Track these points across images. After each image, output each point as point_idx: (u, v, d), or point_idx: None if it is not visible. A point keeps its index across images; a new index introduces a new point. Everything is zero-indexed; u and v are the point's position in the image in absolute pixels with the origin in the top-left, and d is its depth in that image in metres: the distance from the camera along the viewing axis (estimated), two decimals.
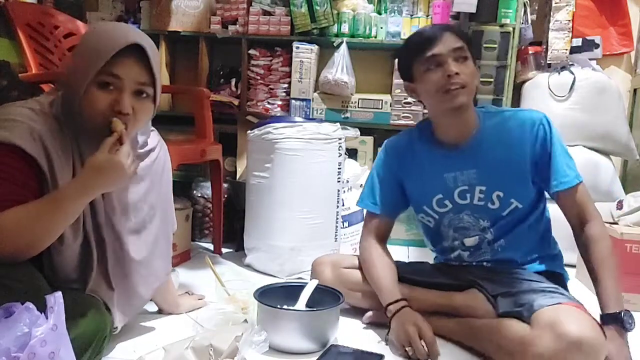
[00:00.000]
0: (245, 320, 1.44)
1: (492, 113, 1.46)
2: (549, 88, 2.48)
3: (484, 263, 1.50)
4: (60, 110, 1.14)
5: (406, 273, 1.53)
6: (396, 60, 1.49)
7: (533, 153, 1.39)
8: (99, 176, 1.05)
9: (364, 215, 1.65)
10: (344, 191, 2.23)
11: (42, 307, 0.84)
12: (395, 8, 2.69)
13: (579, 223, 1.37)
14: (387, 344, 1.38)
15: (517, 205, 1.42)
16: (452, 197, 1.46)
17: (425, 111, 2.57)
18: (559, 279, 1.46)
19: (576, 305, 1.22)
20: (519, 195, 1.41)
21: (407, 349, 1.29)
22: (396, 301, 1.38)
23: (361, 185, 2.36)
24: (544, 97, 2.50)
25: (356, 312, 1.56)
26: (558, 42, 2.60)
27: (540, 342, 1.12)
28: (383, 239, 1.58)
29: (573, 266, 2.18)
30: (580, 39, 2.63)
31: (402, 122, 2.62)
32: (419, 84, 1.40)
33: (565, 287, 1.44)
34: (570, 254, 2.26)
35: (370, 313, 1.53)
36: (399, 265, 1.55)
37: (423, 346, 1.28)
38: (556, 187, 1.37)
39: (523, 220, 1.44)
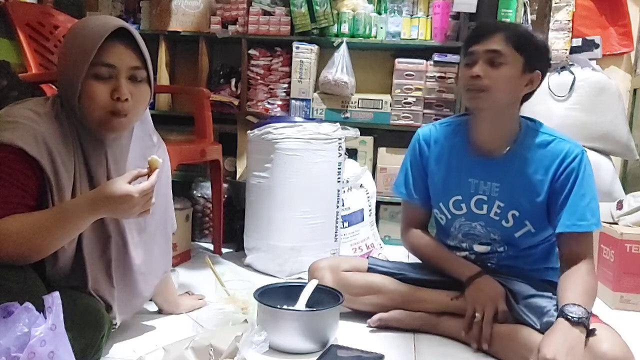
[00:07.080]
0: (245, 320, 1.44)
1: (537, 132, 1.40)
2: (549, 88, 2.48)
3: (488, 264, 1.50)
4: (61, 110, 1.14)
5: (408, 272, 1.52)
6: None
7: (552, 181, 1.35)
8: (109, 202, 1.04)
9: (401, 203, 1.65)
10: (344, 191, 2.23)
11: (37, 306, 0.84)
12: (395, 8, 2.69)
13: (568, 265, 1.32)
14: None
15: (530, 228, 1.41)
16: (469, 203, 1.45)
17: (426, 111, 2.61)
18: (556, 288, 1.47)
19: (598, 320, 1.21)
20: (534, 219, 1.40)
21: (477, 314, 1.33)
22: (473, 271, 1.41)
23: (361, 185, 2.37)
24: (544, 97, 2.49)
25: (357, 312, 1.55)
26: (558, 42, 2.60)
27: None
28: (424, 226, 1.59)
29: None
30: (580, 39, 2.63)
31: (402, 122, 2.62)
32: None
33: None
34: None
35: (377, 316, 1.49)
36: (401, 266, 1.54)
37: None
38: (568, 227, 1.31)
39: (533, 240, 1.44)
